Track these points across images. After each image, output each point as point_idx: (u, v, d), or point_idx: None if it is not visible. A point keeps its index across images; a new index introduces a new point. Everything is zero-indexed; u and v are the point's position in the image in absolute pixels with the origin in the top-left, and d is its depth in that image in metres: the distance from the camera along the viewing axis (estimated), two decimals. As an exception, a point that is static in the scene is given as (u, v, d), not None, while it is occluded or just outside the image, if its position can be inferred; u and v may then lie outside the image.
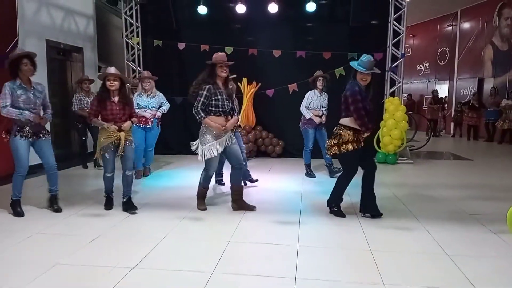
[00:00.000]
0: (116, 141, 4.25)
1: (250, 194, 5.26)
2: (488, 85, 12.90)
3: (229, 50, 7.72)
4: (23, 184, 4.34)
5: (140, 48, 8.63)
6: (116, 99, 4.28)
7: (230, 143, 4.29)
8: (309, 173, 6.36)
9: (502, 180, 6.34)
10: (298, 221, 4.10)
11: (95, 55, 8.76)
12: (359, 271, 2.93)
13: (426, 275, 2.88)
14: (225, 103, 4.19)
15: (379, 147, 7.64)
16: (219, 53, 4.23)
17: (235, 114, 4.38)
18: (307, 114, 6.10)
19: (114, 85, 4.22)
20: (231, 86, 4.37)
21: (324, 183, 5.93)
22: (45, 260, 3.06)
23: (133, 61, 8.64)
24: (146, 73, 6.06)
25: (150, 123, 5.98)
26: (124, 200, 4.39)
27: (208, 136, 4.21)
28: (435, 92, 13.98)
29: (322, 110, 6.11)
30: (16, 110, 4.04)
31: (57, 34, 7.49)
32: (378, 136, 7.54)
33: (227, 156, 4.42)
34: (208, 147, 4.19)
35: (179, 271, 2.94)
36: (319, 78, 6.11)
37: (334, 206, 4.27)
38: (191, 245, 3.47)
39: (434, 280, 2.79)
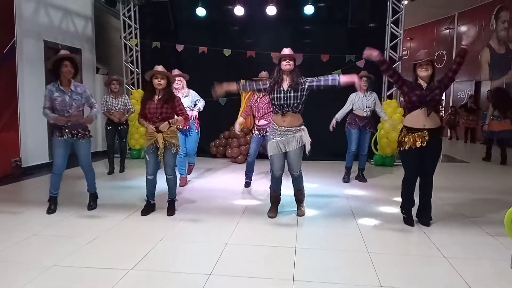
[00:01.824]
0: (155, 143, 4.18)
1: (247, 196, 5.26)
2: (485, 88, 12.94)
3: (227, 52, 7.75)
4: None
5: (139, 49, 8.63)
6: (157, 98, 4.19)
7: (290, 148, 4.08)
8: (345, 177, 6.14)
9: (499, 183, 6.36)
10: (296, 223, 4.10)
11: (93, 56, 8.75)
12: (357, 273, 2.93)
13: (424, 278, 2.88)
14: (283, 98, 4.00)
15: (376, 150, 7.66)
16: (284, 49, 4.12)
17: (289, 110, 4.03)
18: (338, 115, 5.93)
19: (161, 83, 4.15)
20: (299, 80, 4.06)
21: (322, 185, 5.95)
22: (43, 262, 3.05)
23: (131, 62, 8.64)
24: (176, 71, 5.72)
25: (188, 125, 5.64)
26: (167, 201, 4.46)
27: (270, 134, 4.20)
28: None
29: (366, 111, 5.91)
30: (49, 112, 4.17)
31: (55, 35, 7.49)
32: (376, 138, 7.56)
33: (287, 161, 4.24)
34: (269, 144, 4.17)
35: (177, 273, 2.93)
36: (363, 78, 5.90)
37: (403, 212, 4.11)
38: (189, 247, 3.46)
39: (431, 283, 2.80)
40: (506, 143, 8.30)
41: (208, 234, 3.78)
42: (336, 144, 7.81)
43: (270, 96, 4.11)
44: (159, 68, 4.25)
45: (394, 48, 7.80)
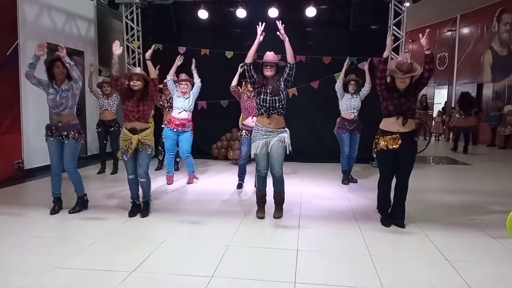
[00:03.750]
0: (129, 144, 4.17)
1: (249, 198, 5.26)
2: (487, 90, 12.93)
3: (229, 54, 7.76)
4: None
5: (141, 51, 8.65)
6: (135, 97, 4.20)
7: (272, 147, 4.14)
8: (345, 180, 6.19)
9: (501, 185, 6.34)
10: (297, 225, 4.10)
11: (96, 58, 8.78)
12: (359, 276, 2.93)
13: (426, 280, 2.87)
14: (268, 100, 4.08)
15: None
16: (267, 53, 4.21)
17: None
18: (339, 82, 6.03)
19: (136, 84, 4.16)
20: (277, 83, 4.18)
21: (324, 187, 5.95)
22: (44, 264, 3.06)
23: (134, 64, 8.66)
24: (184, 76, 5.91)
25: (183, 127, 5.79)
26: (141, 202, 4.44)
27: (254, 135, 4.22)
28: (423, 97, 14.04)
29: (353, 112, 6.01)
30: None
31: (58, 37, 7.51)
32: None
33: (269, 160, 4.25)
34: (253, 144, 4.19)
35: (178, 275, 2.93)
36: (351, 82, 6.03)
37: (380, 213, 4.17)
38: (191, 249, 3.46)
39: (433, 286, 2.79)
40: (468, 136, 10.68)
41: (210, 236, 3.79)
42: (336, 146, 7.81)
43: (257, 97, 4.17)
44: (137, 70, 4.28)
45: (396, 50, 7.79)
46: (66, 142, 4.31)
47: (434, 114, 15.46)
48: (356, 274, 2.96)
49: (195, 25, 8.36)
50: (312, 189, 5.83)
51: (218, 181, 6.41)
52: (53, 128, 4.31)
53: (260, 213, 4.36)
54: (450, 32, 15.00)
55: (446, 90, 15.30)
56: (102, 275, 2.91)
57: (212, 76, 7.96)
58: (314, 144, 8.05)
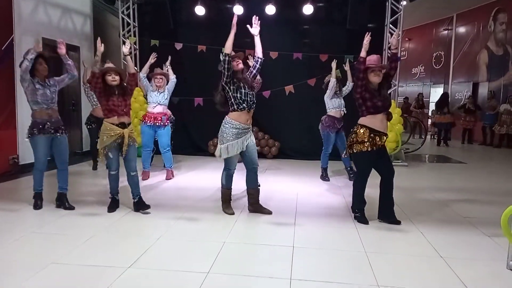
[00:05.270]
0: (118, 139, 4.15)
1: (245, 195, 5.27)
2: (482, 89, 12.99)
3: (226, 51, 7.75)
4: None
5: (137, 47, 8.62)
6: (116, 92, 4.18)
7: (249, 143, 4.20)
8: (324, 177, 6.33)
9: (496, 184, 6.39)
10: (293, 222, 4.11)
11: (92, 54, 8.72)
12: (354, 273, 2.95)
13: (421, 278, 2.89)
14: (248, 94, 4.13)
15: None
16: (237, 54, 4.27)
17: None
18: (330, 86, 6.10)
19: (116, 79, 4.13)
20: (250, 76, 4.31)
21: (320, 184, 5.97)
22: (39, 260, 3.05)
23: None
24: (159, 70, 5.97)
25: (159, 121, 5.85)
26: (135, 200, 4.40)
27: (229, 135, 4.15)
28: (419, 96, 14.12)
29: (343, 110, 6.12)
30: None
31: (53, 32, 7.47)
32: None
33: (243, 157, 4.33)
34: (226, 146, 4.15)
35: (174, 271, 2.94)
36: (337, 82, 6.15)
37: (358, 211, 4.16)
38: (187, 245, 3.46)
39: (428, 283, 2.81)
40: (447, 132, 12.13)
41: (206, 232, 3.79)
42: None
43: (239, 91, 4.10)
44: (110, 65, 4.27)
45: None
46: (62, 137, 4.34)
47: (430, 113, 15.54)
48: (352, 271, 2.98)
49: (192, 22, 8.33)
50: (308, 186, 5.85)
51: (214, 178, 6.39)
52: (45, 124, 4.25)
53: (231, 209, 4.40)
54: (446, 31, 15.04)
55: (442, 89, 15.36)
56: (98, 271, 2.90)
57: (208, 72, 7.93)
58: (310, 141, 8.04)
